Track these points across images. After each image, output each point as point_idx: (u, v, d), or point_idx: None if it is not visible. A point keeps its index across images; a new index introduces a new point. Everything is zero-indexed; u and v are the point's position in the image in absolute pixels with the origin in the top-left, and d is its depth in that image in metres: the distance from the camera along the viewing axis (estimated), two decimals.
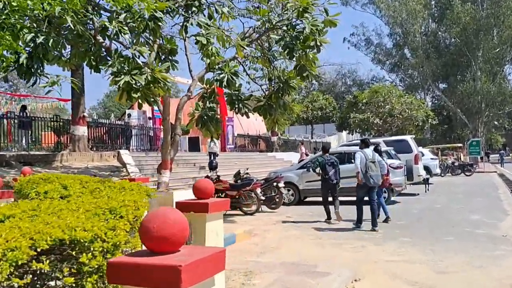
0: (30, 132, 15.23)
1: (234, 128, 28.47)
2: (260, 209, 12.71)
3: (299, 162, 20.42)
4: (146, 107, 11.47)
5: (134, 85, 7.97)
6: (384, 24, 59.04)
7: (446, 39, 50.00)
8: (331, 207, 10.46)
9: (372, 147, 9.97)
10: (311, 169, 11.99)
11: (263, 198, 12.11)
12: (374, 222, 9.27)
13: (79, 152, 15.22)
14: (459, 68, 45.31)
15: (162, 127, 23.21)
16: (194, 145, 25.24)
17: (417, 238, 8.39)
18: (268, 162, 26.52)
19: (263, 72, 13.70)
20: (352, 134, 33.54)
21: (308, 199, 15.09)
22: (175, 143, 10.95)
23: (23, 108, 17.07)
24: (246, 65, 12.72)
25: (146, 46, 9.10)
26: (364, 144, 9.77)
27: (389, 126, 31.03)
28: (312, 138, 46.99)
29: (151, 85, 8.22)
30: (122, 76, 7.93)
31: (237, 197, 12.03)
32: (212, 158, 22.05)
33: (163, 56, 11.92)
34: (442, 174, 26.39)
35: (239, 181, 13.12)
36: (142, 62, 8.52)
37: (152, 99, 8.41)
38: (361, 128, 31.27)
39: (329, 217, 10.39)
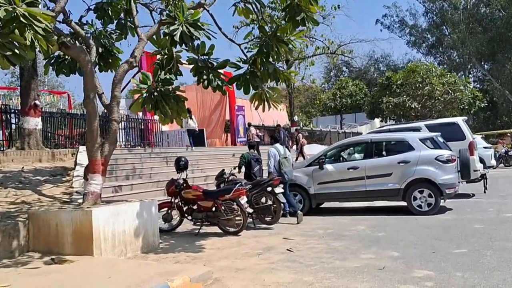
0: None
1: (246, 118, 24.75)
2: (253, 225, 9.04)
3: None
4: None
5: None
6: (419, 2, 54.01)
7: (490, 12, 44.48)
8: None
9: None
10: (284, 168, 9.54)
11: (250, 210, 8.37)
12: (295, 209, 9.52)
13: (29, 150, 11.88)
14: (507, 44, 39.94)
15: (152, 117, 19.90)
16: (198, 139, 21.60)
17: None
18: None
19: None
20: (385, 122, 29.20)
21: (324, 205, 11.28)
22: (112, 135, 7.34)
23: None
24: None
25: None
26: (274, 140, 10.01)
27: (429, 110, 26.59)
28: (341, 128, 42.72)
29: (10, 26, 4.61)
30: None
31: (213, 209, 8.34)
32: (190, 139, 18.82)
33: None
34: (494, 166, 21.72)
35: (222, 185, 9.44)
36: None
37: (15, 53, 4.75)
38: (396, 114, 26.94)
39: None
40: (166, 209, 8.74)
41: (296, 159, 19.93)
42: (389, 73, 30.11)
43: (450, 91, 26.69)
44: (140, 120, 18.37)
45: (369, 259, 6.09)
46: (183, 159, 8.91)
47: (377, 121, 34.73)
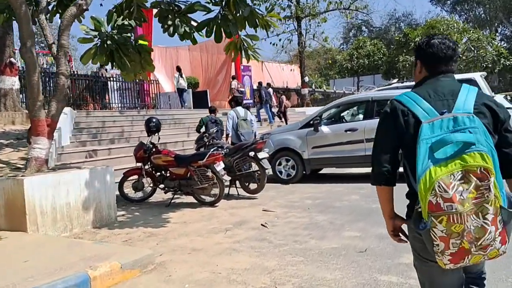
0: None
1: (253, 79, 23.47)
2: (237, 193, 8.06)
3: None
4: None
5: None
6: None
7: None
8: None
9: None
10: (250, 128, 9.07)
11: (227, 178, 7.34)
12: None
13: (4, 112, 11.03)
14: None
15: (149, 78, 18.83)
16: (200, 102, 20.48)
17: None
18: (295, 119, 21.53)
19: None
20: (402, 83, 27.40)
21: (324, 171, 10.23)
22: (60, 91, 6.30)
23: None
24: None
25: None
26: (235, 102, 9.42)
27: None
28: (358, 90, 40.92)
29: None
30: None
31: (187, 177, 7.35)
32: (182, 96, 18.34)
33: None
34: None
35: (202, 149, 8.42)
36: None
37: None
38: (413, 74, 25.12)
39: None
40: (136, 176, 7.80)
41: (280, 120, 18.99)
42: (407, 30, 28.09)
43: (473, 48, 24.76)
44: (135, 80, 17.31)
45: (352, 238, 5.03)
46: (154, 119, 7.86)
47: (394, 82, 32.92)
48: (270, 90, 20.13)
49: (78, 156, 9.57)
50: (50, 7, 7.37)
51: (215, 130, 8.98)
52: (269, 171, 7.97)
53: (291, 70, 29.43)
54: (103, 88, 15.63)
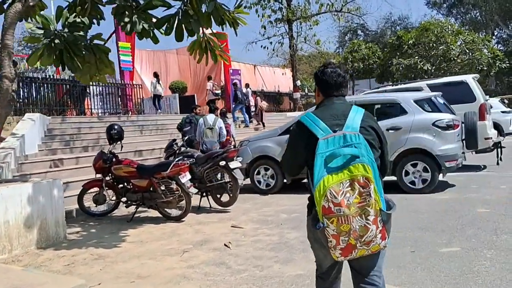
0: None
1: (242, 83, 22.84)
2: (209, 206, 7.45)
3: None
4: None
5: None
6: None
7: None
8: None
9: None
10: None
11: (193, 190, 6.71)
12: None
13: None
14: None
15: (131, 82, 18.21)
16: (188, 107, 19.81)
17: None
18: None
19: None
20: (396, 85, 26.80)
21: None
22: (3, 96, 5.67)
23: None
24: None
25: None
26: (210, 109, 9.48)
27: (444, 73, 24.15)
28: (353, 94, 40.40)
29: None
30: None
31: (151, 189, 6.72)
32: (157, 103, 17.92)
33: None
34: None
35: (171, 158, 7.80)
36: None
37: None
38: (407, 77, 24.59)
39: None
40: (97, 188, 7.17)
41: (258, 123, 18.29)
42: (400, 32, 27.52)
43: (468, 51, 24.18)
44: (117, 84, 16.70)
45: None
46: (116, 126, 7.22)
47: (389, 85, 32.34)
48: (249, 90, 19.43)
49: (43, 165, 8.93)
50: None
51: (186, 138, 8.38)
52: (241, 182, 7.33)
53: (282, 73, 28.88)
54: (82, 93, 14.99)
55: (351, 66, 41.02)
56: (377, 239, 2.12)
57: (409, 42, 24.96)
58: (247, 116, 17.86)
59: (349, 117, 2.33)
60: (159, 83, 17.99)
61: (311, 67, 50.30)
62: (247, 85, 20.15)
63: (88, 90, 15.44)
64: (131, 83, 17.23)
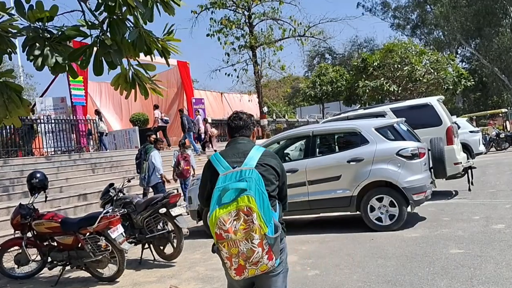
0: None
1: (207, 113, 22.10)
2: (153, 259, 6.51)
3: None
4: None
5: None
6: None
7: None
8: None
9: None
10: None
11: (125, 246, 5.78)
12: None
13: None
14: (494, 17, 37.33)
15: (85, 117, 17.23)
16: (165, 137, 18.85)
17: None
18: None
19: None
20: (365, 109, 26.50)
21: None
22: None
23: None
24: None
25: None
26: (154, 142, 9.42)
27: (411, 93, 24.00)
28: (324, 118, 40.13)
29: None
30: None
31: (77, 247, 5.78)
32: (101, 140, 17.07)
33: None
34: (484, 152, 18.88)
35: (108, 205, 6.87)
36: None
37: None
38: (374, 99, 24.28)
39: None
40: (17, 247, 6.18)
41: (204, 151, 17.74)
42: (364, 55, 27.39)
43: (433, 71, 24.10)
44: (70, 121, 15.70)
45: None
46: (38, 175, 6.28)
47: (358, 108, 32.14)
48: (199, 117, 18.95)
49: None
50: None
51: (126, 180, 7.44)
52: (186, 232, 6.44)
53: (249, 100, 28.32)
54: (28, 131, 13.94)
55: (320, 90, 40.99)
56: (263, 260, 2.44)
57: (374, 64, 24.79)
58: (194, 143, 17.36)
59: (249, 155, 2.69)
60: (101, 120, 17.19)
61: (279, 92, 50.17)
62: (198, 112, 19.75)
63: (36, 128, 14.42)
64: (83, 118, 16.24)
